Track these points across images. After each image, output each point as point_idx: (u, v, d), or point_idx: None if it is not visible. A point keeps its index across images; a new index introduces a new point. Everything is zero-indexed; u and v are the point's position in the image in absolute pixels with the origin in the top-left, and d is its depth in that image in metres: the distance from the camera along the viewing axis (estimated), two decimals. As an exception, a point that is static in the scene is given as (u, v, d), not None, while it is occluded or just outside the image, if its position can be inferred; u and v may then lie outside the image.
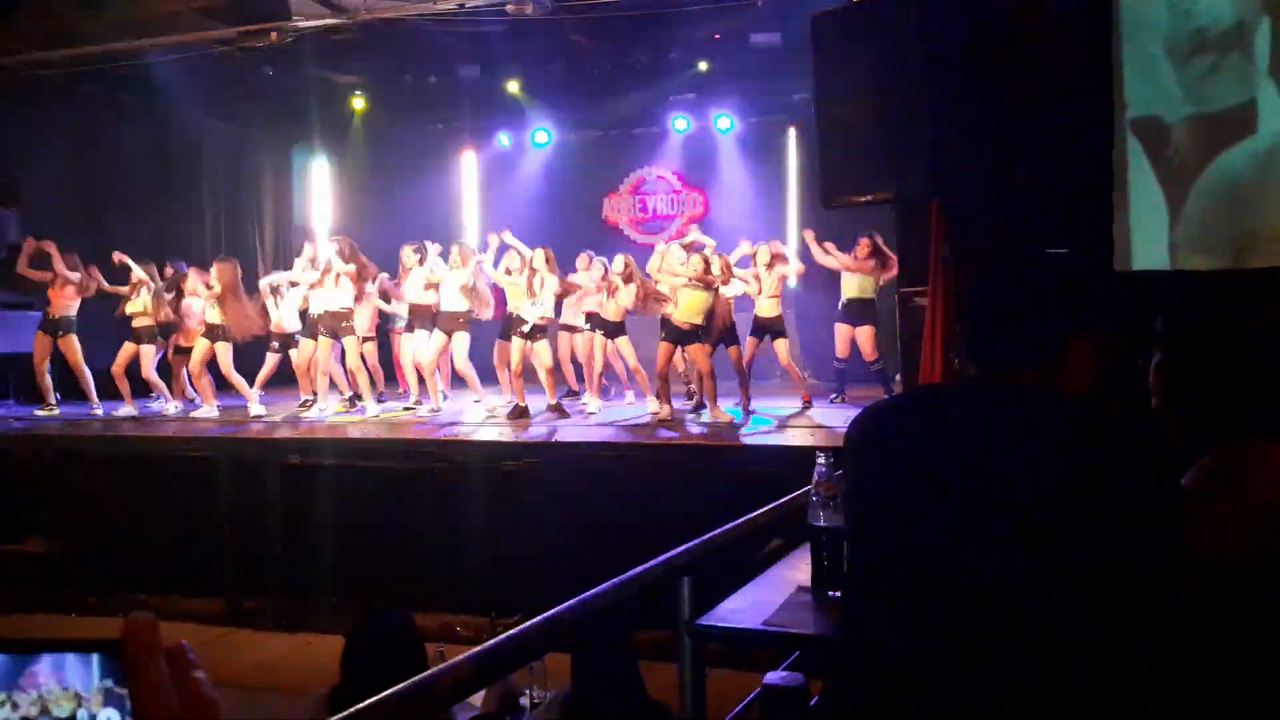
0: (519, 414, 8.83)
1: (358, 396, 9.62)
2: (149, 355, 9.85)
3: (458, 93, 13.26)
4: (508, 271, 9.20)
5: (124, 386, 9.80)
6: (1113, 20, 5.92)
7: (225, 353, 9.53)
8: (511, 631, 1.99)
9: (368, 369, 9.87)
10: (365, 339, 10.12)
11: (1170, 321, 1.68)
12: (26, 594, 7.78)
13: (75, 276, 9.64)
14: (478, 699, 3.47)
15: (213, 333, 9.49)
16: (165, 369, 10.36)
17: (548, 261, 8.94)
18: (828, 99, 7.14)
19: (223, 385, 9.79)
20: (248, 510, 7.85)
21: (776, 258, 9.28)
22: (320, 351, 9.42)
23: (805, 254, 9.85)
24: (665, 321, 8.52)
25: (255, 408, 9.57)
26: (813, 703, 2.33)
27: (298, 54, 11.25)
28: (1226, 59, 5.62)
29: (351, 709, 1.55)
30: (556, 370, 9.55)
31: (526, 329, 8.85)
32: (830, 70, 7.10)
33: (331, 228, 13.74)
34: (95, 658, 0.62)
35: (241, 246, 12.95)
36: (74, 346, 9.69)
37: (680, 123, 13.51)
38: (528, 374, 9.11)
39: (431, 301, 9.49)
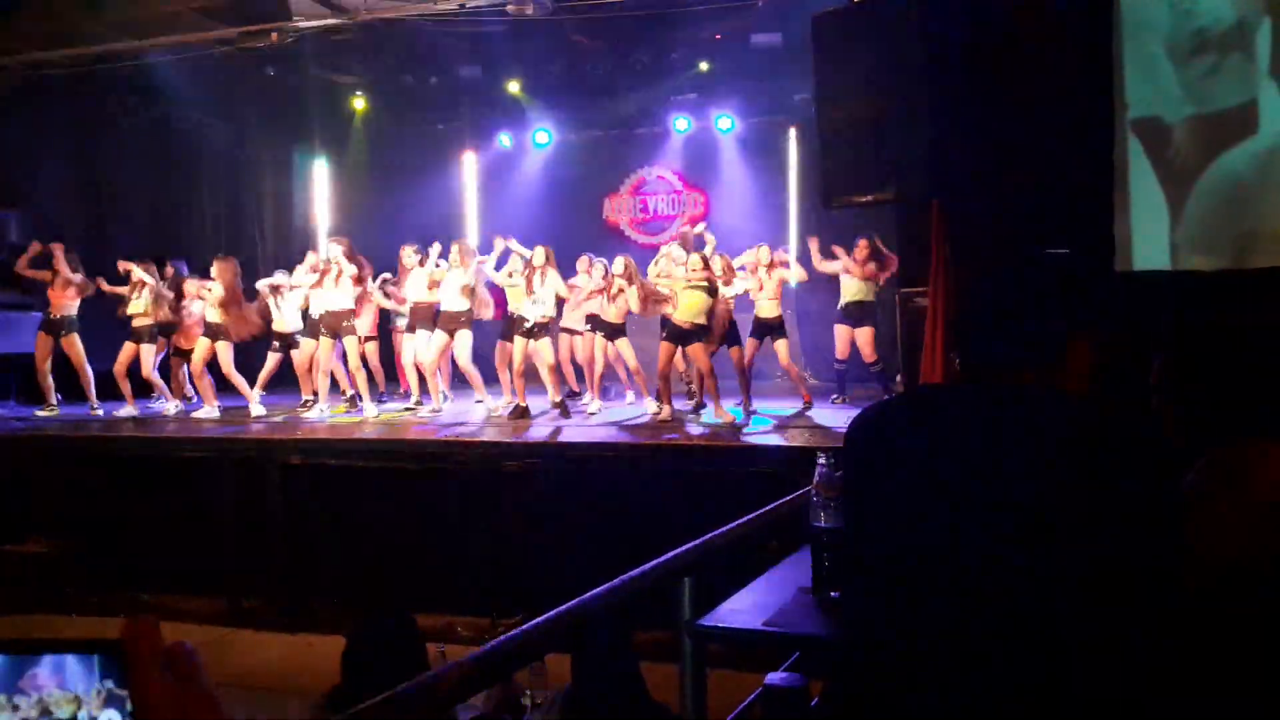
0: (519, 414, 8.83)
1: (358, 396, 9.63)
2: (149, 355, 9.85)
3: (458, 93, 13.26)
4: (510, 275, 9.22)
5: (125, 387, 9.81)
6: (1113, 20, 5.92)
7: (226, 352, 9.53)
8: (512, 632, 1.99)
9: (368, 369, 9.87)
10: (367, 339, 10.12)
11: (1171, 321, 1.69)
12: (27, 594, 7.78)
13: (77, 278, 9.66)
14: (479, 699, 3.47)
15: (213, 332, 9.50)
16: (165, 369, 10.37)
17: (548, 259, 8.95)
18: (828, 99, 7.15)
19: (223, 386, 9.79)
20: (248, 510, 7.86)
21: (779, 263, 9.30)
22: (321, 351, 9.43)
23: (806, 259, 9.85)
24: (666, 321, 8.53)
25: (256, 408, 9.58)
26: (813, 703, 2.33)
27: (298, 54, 11.28)
28: (1227, 59, 5.62)
29: (352, 710, 1.55)
30: (557, 370, 9.55)
31: (528, 327, 8.86)
32: (831, 70, 7.11)
33: (331, 228, 13.74)
34: (96, 659, 0.62)
35: (242, 247, 12.95)
36: (77, 346, 9.71)
37: (681, 123, 13.51)
38: (529, 374, 9.11)
39: (432, 300, 9.50)
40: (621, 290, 8.90)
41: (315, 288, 9.40)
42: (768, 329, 9.23)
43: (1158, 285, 5.57)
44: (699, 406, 9.07)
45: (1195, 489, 1.55)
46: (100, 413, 9.73)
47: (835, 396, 9.48)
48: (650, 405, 8.90)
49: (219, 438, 8.43)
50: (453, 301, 9.25)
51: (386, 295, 10.19)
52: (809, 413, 8.74)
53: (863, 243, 9.30)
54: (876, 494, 1.58)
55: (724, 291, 8.72)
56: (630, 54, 12.04)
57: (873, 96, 6.77)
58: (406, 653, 3.11)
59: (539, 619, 2.04)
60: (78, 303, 9.73)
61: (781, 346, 9.22)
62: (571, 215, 13.49)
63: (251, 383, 9.73)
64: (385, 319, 10.72)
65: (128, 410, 9.72)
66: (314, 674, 5.91)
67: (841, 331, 9.51)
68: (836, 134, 7.07)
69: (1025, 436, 1.45)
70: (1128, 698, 1.32)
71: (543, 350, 9.01)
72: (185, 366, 10.28)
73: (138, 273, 9.76)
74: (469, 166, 14.69)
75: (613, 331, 9.24)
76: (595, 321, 9.43)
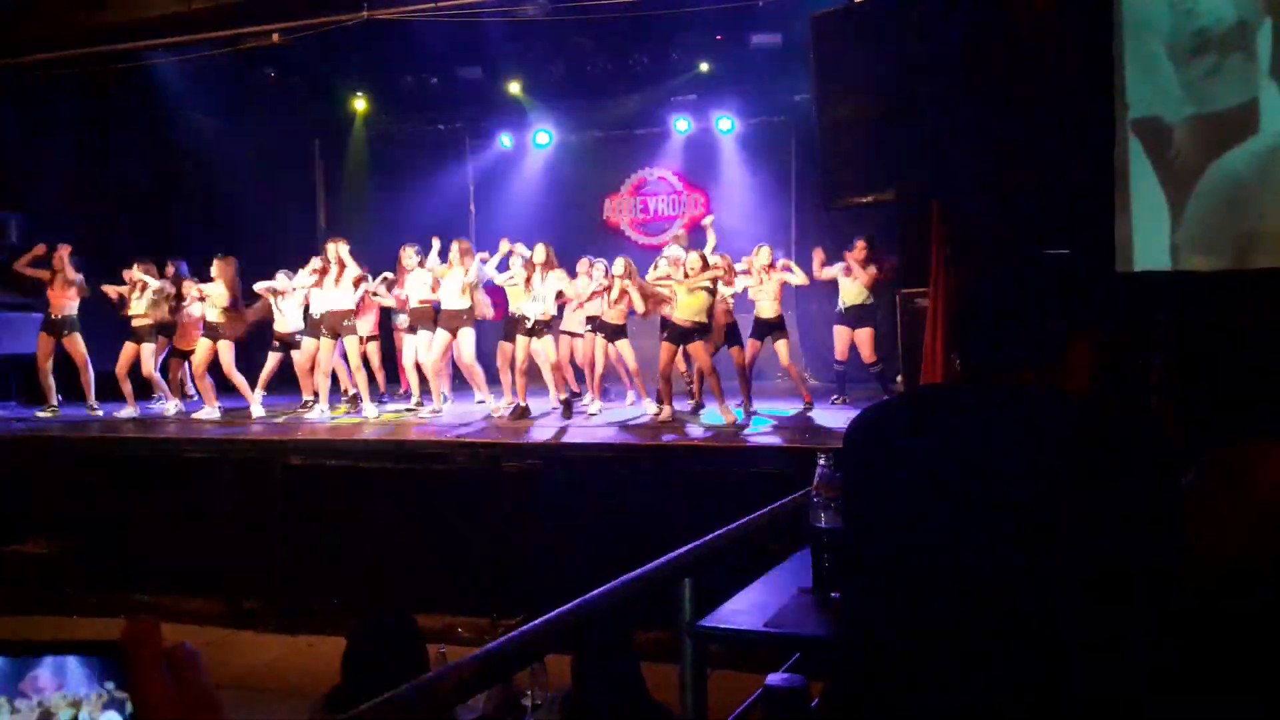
0: (520, 414, 8.84)
1: (359, 397, 9.63)
2: (150, 354, 9.86)
3: (459, 94, 13.26)
4: (510, 276, 9.23)
5: (126, 388, 9.82)
6: (1114, 20, 5.92)
7: (227, 352, 9.54)
8: (513, 633, 1.99)
9: (369, 370, 9.87)
10: (369, 339, 10.13)
11: (1171, 322, 1.69)
12: (27, 595, 7.79)
13: (78, 278, 9.67)
14: (479, 700, 3.47)
15: (213, 332, 9.51)
16: (165, 370, 10.38)
17: (549, 257, 8.96)
18: (828, 100, 7.15)
19: (223, 386, 9.79)
20: (249, 511, 7.86)
21: (782, 268, 9.31)
22: (322, 352, 9.43)
23: (806, 261, 9.85)
24: (666, 322, 8.51)
25: (256, 409, 9.58)
26: (813, 704, 2.33)
27: (299, 55, 11.27)
28: (1228, 59, 5.62)
29: (353, 711, 1.55)
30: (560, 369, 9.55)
31: (530, 325, 8.87)
32: (831, 71, 7.11)
33: (332, 229, 13.73)
34: (97, 661, 0.62)
35: (242, 248, 12.93)
36: (79, 346, 9.72)
37: (681, 123, 13.52)
38: (531, 375, 9.12)
39: (434, 299, 9.50)
40: (625, 291, 8.90)
41: (315, 288, 9.41)
42: (768, 329, 9.23)
43: (1158, 286, 5.56)
44: (698, 407, 9.07)
45: (1195, 489, 1.55)
46: (99, 413, 9.73)
47: (835, 397, 9.47)
48: (650, 406, 8.91)
49: (219, 438, 8.43)
50: (453, 300, 9.25)
51: (389, 290, 10.19)
52: (809, 413, 8.74)
53: (860, 242, 9.31)
54: (876, 494, 1.58)
55: (723, 291, 8.72)
56: (630, 55, 12.05)
57: (873, 97, 6.77)
58: (407, 653, 3.11)
59: (539, 620, 2.04)
60: (78, 302, 9.75)
61: (782, 347, 9.22)
62: (572, 216, 13.50)
63: (252, 383, 9.73)
64: (386, 319, 10.72)
65: (128, 411, 9.72)
66: (314, 675, 5.92)
67: (841, 333, 9.51)
68: (836, 134, 7.08)
69: (1025, 436, 1.45)
70: (1128, 698, 1.32)
71: (545, 348, 9.02)
72: (184, 367, 10.29)
73: (137, 274, 9.77)
74: (470, 167, 14.70)
75: (613, 333, 9.24)
76: (596, 323, 9.43)
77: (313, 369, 9.64)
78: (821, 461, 2.39)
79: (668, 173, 14.08)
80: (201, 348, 9.59)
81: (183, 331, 10.08)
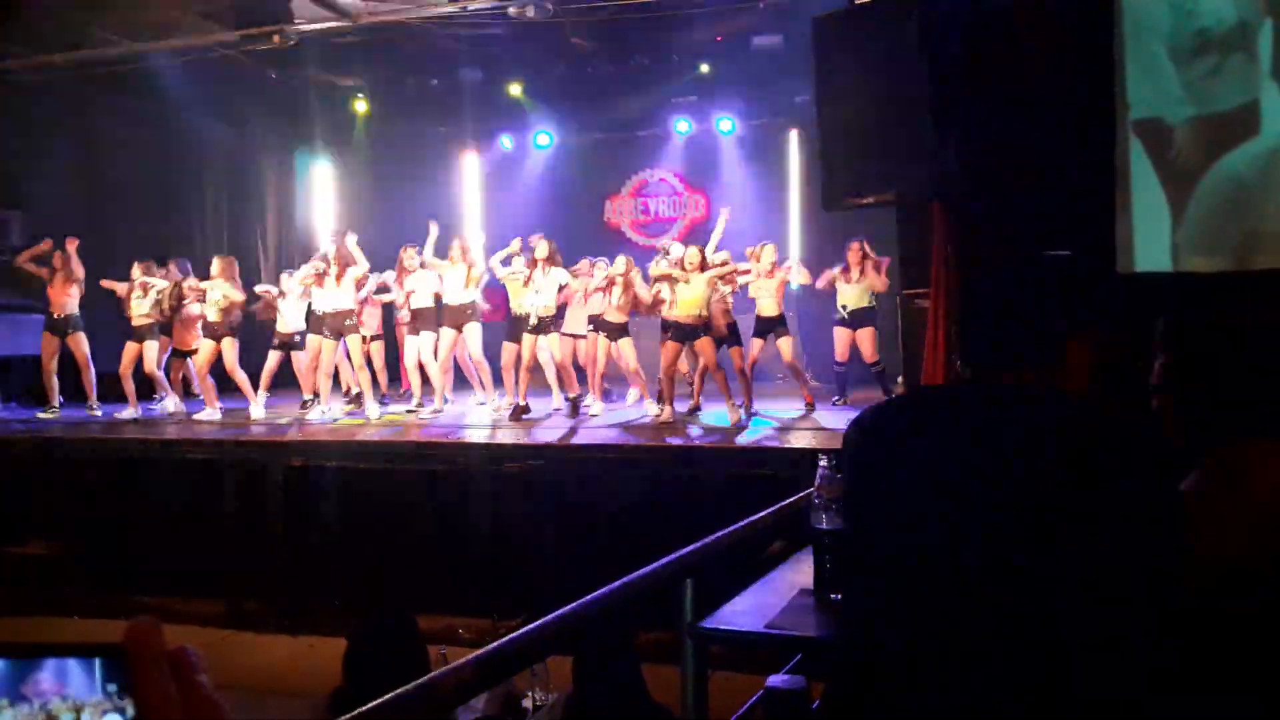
0: (519, 412, 8.84)
1: (362, 397, 9.63)
2: (152, 351, 9.85)
3: (460, 95, 13.27)
4: (514, 272, 9.20)
5: (129, 388, 9.82)
6: (1114, 21, 5.91)
7: (231, 350, 9.55)
8: (514, 634, 1.99)
9: (372, 370, 9.88)
10: (373, 338, 10.14)
11: (1171, 322, 1.69)
12: (27, 596, 7.79)
13: (82, 274, 9.69)
14: (480, 702, 3.47)
15: (215, 332, 9.52)
16: (166, 370, 10.38)
17: (551, 253, 8.97)
18: (829, 101, 7.15)
19: (224, 386, 9.79)
20: (250, 512, 7.86)
21: (788, 268, 9.31)
22: (324, 352, 9.42)
23: (806, 263, 9.85)
24: (668, 322, 8.48)
25: (255, 409, 9.58)
26: (814, 706, 2.33)
27: (300, 57, 11.29)
28: (1229, 60, 5.61)
29: (354, 712, 1.55)
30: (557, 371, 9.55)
31: (534, 322, 8.87)
32: (831, 72, 7.11)
33: (333, 231, 13.74)
34: (97, 663, 0.62)
35: (243, 249, 12.96)
36: (82, 345, 9.71)
37: (682, 125, 13.52)
38: (533, 375, 9.14)
39: (437, 294, 9.51)
40: (629, 285, 8.91)
41: (316, 287, 9.40)
42: (770, 327, 9.20)
43: (1158, 286, 5.56)
44: (695, 409, 9.06)
45: (1195, 489, 1.55)
46: (99, 414, 9.74)
47: (836, 398, 9.47)
48: (651, 407, 8.90)
49: (220, 440, 8.43)
50: (457, 296, 9.25)
51: (384, 290, 10.20)
52: (811, 414, 8.73)
53: (855, 245, 9.30)
54: (876, 494, 1.58)
55: (722, 289, 8.71)
56: (631, 56, 12.06)
57: (873, 98, 6.77)
58: (407, 654, 3.11)
59: (540, 621, 2.04)
60: (78, 300, 9.75)
61: (785, 344, 9.18)
62: (573, 217, 13.50)
63: (254, 383, 9.74)
64: (389, 317, 10.72)
65: (129, 412, 9.72)
66: (316, 676, 5.91)
67: (842, 334, 9.50)
68: (837, 135, 7.08)
69: (1025, 437, 1.45)
70: (1128, 698, 1.32)
71: (551, 346, 9.04)
72: (186, 366, 10.28)
73: (138, 274, 9.77)
74: (470, 169, 14.71)
75: (615, 331, 9.24)
76: (597, 322, 9.43)
77: (315, 369, 9.64)
78: (822, 462, 2.39)
79: (668, 174, 14.09)
80: (204, 348, 9.60)
81: (182, 331, 10.08)
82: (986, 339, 1.60)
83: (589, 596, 2.18)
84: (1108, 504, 1.36)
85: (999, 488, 1.42)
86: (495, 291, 10.21)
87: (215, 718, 0.63)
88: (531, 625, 2.02)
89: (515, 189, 14.22)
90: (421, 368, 9.82)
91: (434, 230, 9.49)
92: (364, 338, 9.72)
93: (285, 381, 10.15)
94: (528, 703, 3.70)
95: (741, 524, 2.96)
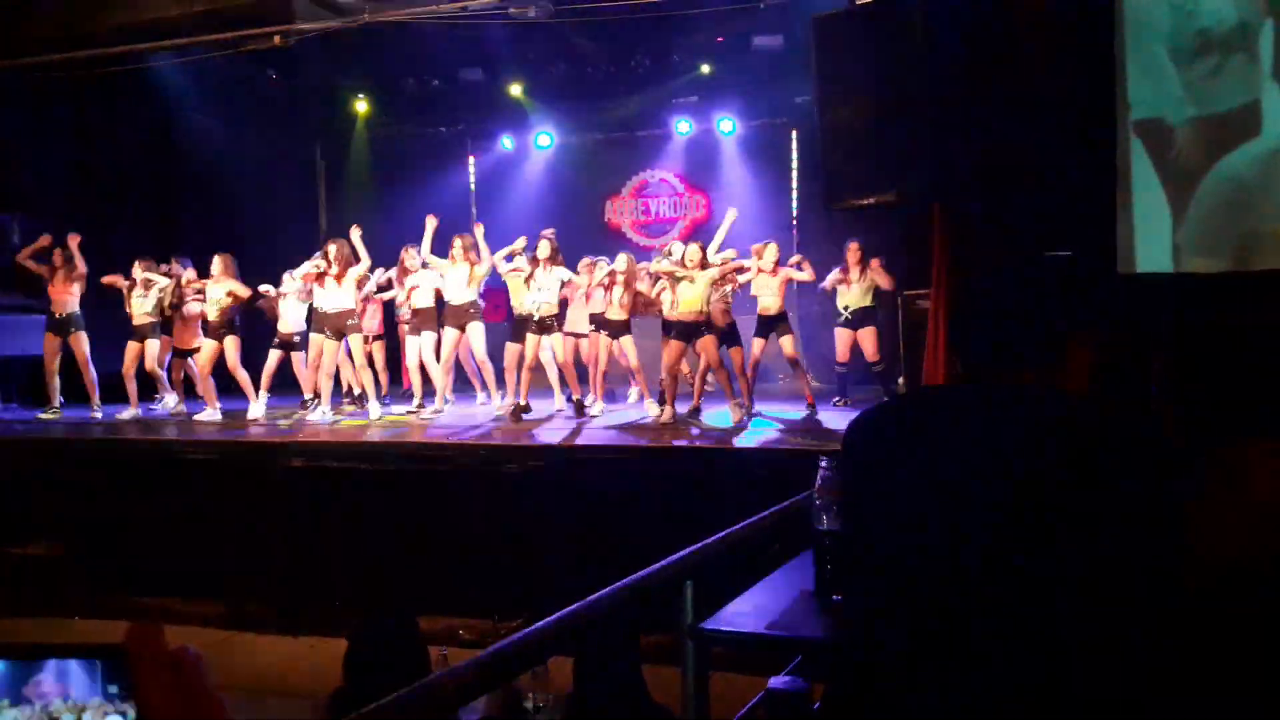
0: (518, 413, 8.84)
1: (364, 397, 9.64)
2: (154, 350, 9.87)
3: (460, 96, 13.28)
4: (516, 270, 9.20)
5: (131, 387, 9.83)
6: (1115, 22, 5.92)
7: (233, 349, 9.56)
8: (515, 635, 1.99)
9: (374, 370, 9.87)
10: (375, 338, 10.14)
11: (1172, 322, 1.69)
12: (28, 596, 7.79)
13: (85, 270, 9.69)
14: (481, 703, 3.47)
15: (217, 332, 9.52)
16: (169, 371, 10.40)
17: (554, 252, 8.97)
18: (830, 101, 7.15)
19: (225, 386, 9.79)
20: (250, 513, 7.86)
21: (794, 264, 9.30)
22: (326, 353, 9.42)
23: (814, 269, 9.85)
24: (670, 322, 8.47)
25: (255, 409, 9.58)
26: (815, 707, 2.33)
27: (300, 58, 11.29)
28: (1230, 60, 5.61)
29: (355, 713, 1.55)
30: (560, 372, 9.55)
31: (537, 322, 8.87)
32: (832, 73, 7.12)
33: (334, 231, 13.73)
34: (99, 664, 0.62)
35: (244, 250, 12.94)
36: (82, 345, 9.72)
37: (683, 125, 13.52)
38: (537, 377, 9.14)
39: (438, 292, 9.51)
40: (631, 282, 8.91)
41: (318, 287, 9.40)
42: (772, 325, 9.18)
43: (1159, 286, 5.56)
44: (696, 410, 9.05)
45: (1195, 489, 1.55)
46: (100, 415, 9.74)
47: (837, 399, 9.46)
48: (652, 408, 8.90)
49: (221, 440, 8.43)
50: (459, 294, 9.24)
51: (385, 289, 10.20)
52: (811, 415, 8.72)
53: (854, 245, 9.30)
54: (876, 495, 1.58)
55: (724, 288, 8.70)
56: (632, 57, 12.06)
57: (874, 98, 6.78)
58: (407, 653, 3.11)
59: (541, 622, 2.04)
60: (79, 298, 9.75)
61: (787, 341, 9.15)
62: (573, 217, 13.49)
63: (255, 383, 9.74)
64: (391, 317, 10.71)
65: (130, 413, 9.73)
66: (317, 677, 5.91)
67: (843, 335, 9.50)
68: (838, 136, 7.08)
69: (1025, 437, 1.45)
70: (1128, 698, 1.32)
71: (555, 345, 9.04)
72: (187, 365, 10.29)
73: (140, 273, 9.77)
74: (471, 169, 14.71)
75: (616, 330, 9.24)
76: (599, 321, 9.43)
77: (317, 368, 9.63)
78: (824, 464, 2.39)
79: (669, 174, 14.08)
80: (207, 348, 9.60)
81: (183, 330, 10.08)
82: (986, 339, 1.60)
83: (590, 598, 2.18)
84: (1108, 504, 1.36)
85: (999, 488, 1.42)
86: (496, 292, 10.21)
87: (216, 718, 0.63)
88: (533, 626, 2.02)
89: (516, 189, 14.21)
90: (423, 368, 9.82)
91: (431, 224, 9.46)
92: (366, 337, 9.72)
93: (286, 382, 10.16)
94: (529, 704, 3.70)
95: (742, 525, 2.96)
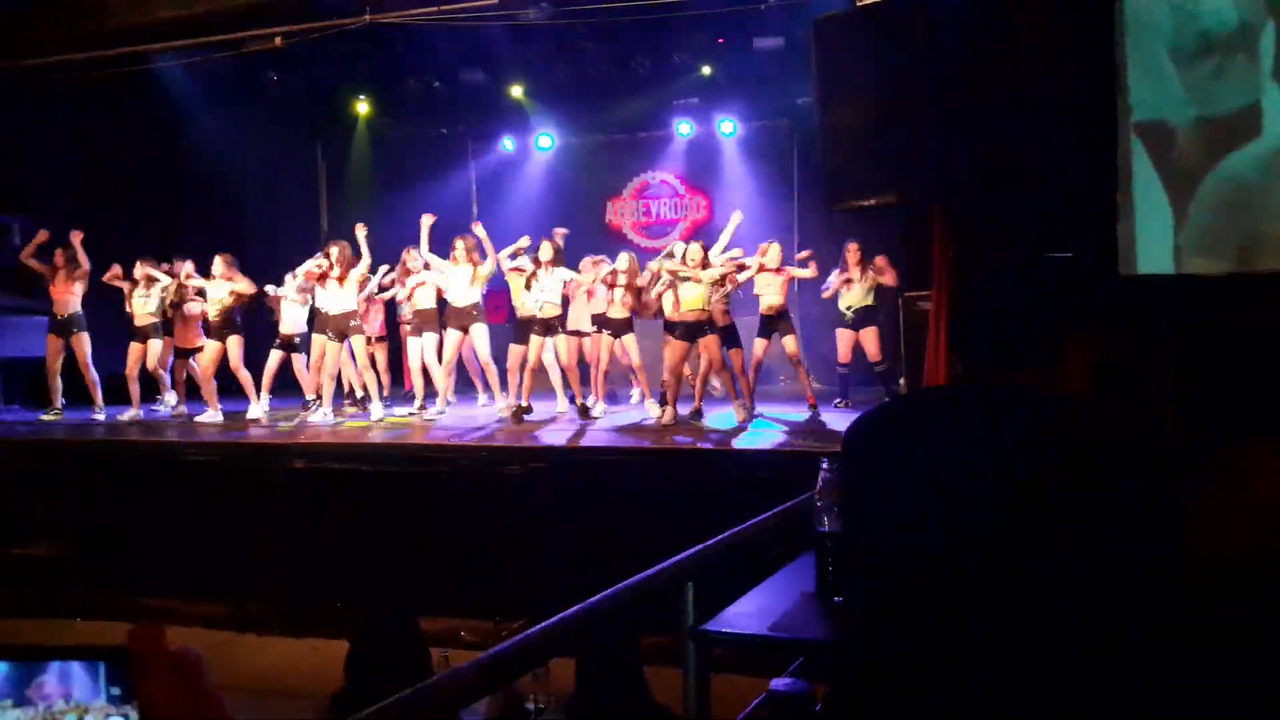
0: (519, 414, 8.84)
1: (367, 399, 9.64)
2: (156, 349, 9.87)
3: (461, 97, 13.28)
4: (519, 270, 9.19)
5: (134, 389, 9.83)
6: (1116, 23, 5.91)
7: (235, 348, 9.56)
8: (516, 637, 1.99)
9: (377, 371, 9.87)
10: (378, 339, 10.14)
11: (1172, 322, 1.69)
12: (30, 597, 7.79)
13: (89, 266, 9.69)
14: (482, 705, 3.47)
15: (219, 332, 9.53)
16: (172, 372, 10.40)
17: (556, 254, 8.97)
18: (831, 103, 7.15)
19: (226, 387, 9.80)
20: (252, 514, 7.86)
21: (798, 262, 9.31)
22: (328, 354, 9.42)
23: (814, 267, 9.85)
24: (673, 323, 8.47)
25: (255, 409, 9.58)
26: (817, 709, 2.34)
27: (302, 59, 11.29)
28: (1231, 62, 5.61)
29: (356, 715, 1.56)
30: (563, 374, 9.55)
31: (541, 323, 8.87)
32: (833, 74, 7.12)
33: (335, 232, 13.73)
34: (102, 666, 0.63)
35: (246, 251, 12.95)
36: (84, 346, 9.72)
37: (684, 127, 13.53)
38: (539, 378, 9.13)
39: (440, 293, 9.50)
40: (632, 279, 8.92)
41: (319, 288, 9.40)
42: (775, 323, 9.19)
43: (1160, 286, 5.56)
44: (697, 411, 9.06)
45: (1195, 489, 1.55)
46: (103, 416, 9.74)
47: (838, 400, 9.46)
48: (653, 408, 8.90)
49: (223, 442, 8.44)
50: (462, 296, 9.23)
51: (384, 289, 10.21)
52: (813, 416, 8.73)
53: (853, 246, 9.30)
54: (876, 495, 1.58)
55: (724, 288, 8.70)
56: (633, 58, 12.05)
57: (875, 100, 6.78)
58: (408, 654, 3.11)
59: (543, 624, 2.04)
60: (81, 298, 9.76)
61: (790, 340, 9.16)
62: (574, 219, 13.45)
63: (257, 384, 9.75)
64: (393, 318, 10.71)
65: (132, 414, 9.73)
66: (319, 677, 5.91)
67: (845, 335, 9.50)
68: (839, 137, 7.08)
69: (1025, 437, 1.45)
70: (1128, 698, 1.32)
71: (559, 347, 9.04)
72: (189, 365, 10.29)
73: (145, 270, 9.77)
74: (472, 170, 14.71)
75: (618, 328, 9.24)
76: (600, 321, 9.43)
77: (319, 369, 9.63)
78: (825, 465, 2.39)
79: (670, 176, 14.09)
80: (210, 349, 9.61)
81: (184, 329, 10.08)
82: (986, 339, 1.60)
83: (591, 599, 2.18)
84: (1108, 504, 1.36)
85: (999, 488, 1.42)
86: (497, 293, 10.20)
87: (218, 718, 0.64)
88: (534, 628, 2.02)
89: (517, 190, 14.22)
90: (425, 369, 9.82)
91: (426, 221, 9.46)
92: (369, 339, 9.72)
93: (287, 383, 10.16)
94: (530, 705, 3.70)
95: (744, 526, 2.96)
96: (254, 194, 13.77)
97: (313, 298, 9.59)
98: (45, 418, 9.71)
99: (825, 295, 9.56)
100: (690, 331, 8.30)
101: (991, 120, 6.18)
